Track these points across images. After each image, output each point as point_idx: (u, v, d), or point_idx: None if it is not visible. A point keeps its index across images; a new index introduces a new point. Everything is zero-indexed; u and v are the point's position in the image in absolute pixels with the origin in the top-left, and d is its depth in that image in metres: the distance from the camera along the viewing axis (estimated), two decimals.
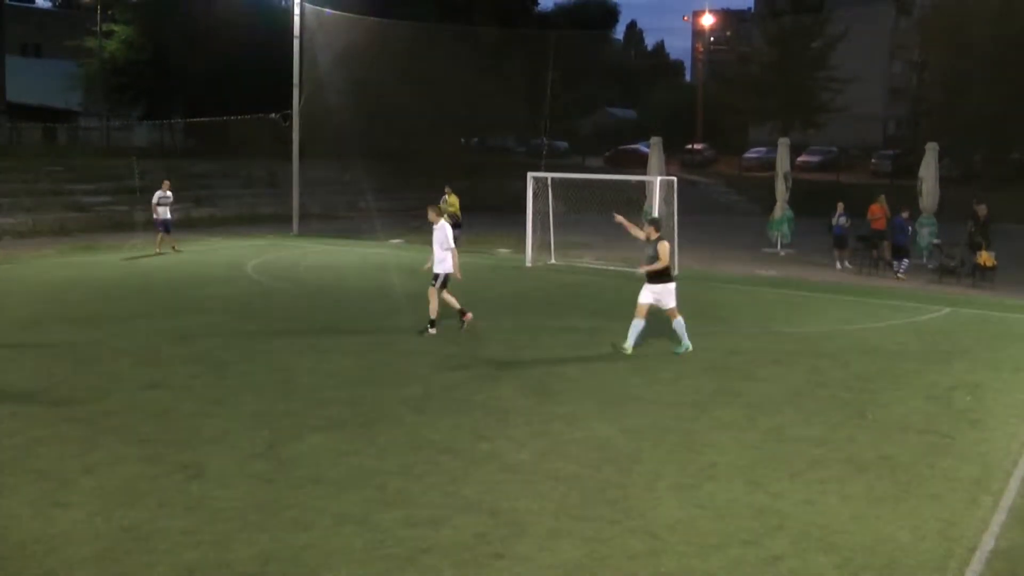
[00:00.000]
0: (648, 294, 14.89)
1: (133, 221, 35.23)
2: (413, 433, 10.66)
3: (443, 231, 16.40)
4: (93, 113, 60.84)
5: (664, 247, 14.72)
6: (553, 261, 26.18)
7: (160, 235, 27.99)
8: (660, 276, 14.85)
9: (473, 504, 8.58)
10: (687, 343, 15.12)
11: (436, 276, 16.37)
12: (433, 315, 16.29)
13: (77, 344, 15.45)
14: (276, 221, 37.53)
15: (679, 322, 15.11)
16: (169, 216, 28.17)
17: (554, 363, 14.39)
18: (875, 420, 11.57)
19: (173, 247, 28.15)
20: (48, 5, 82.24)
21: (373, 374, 13.57)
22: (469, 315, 16.64)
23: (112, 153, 48.43)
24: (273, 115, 37.99)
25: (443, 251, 16.36)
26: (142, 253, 27.47)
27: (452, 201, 25.27)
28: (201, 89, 51.95)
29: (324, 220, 37.05)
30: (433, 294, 16.33)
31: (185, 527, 8.03)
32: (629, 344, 14.90)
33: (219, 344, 15.41)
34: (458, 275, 16.56)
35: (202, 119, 45.54)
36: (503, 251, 29.31)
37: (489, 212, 38.36)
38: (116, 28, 56.53)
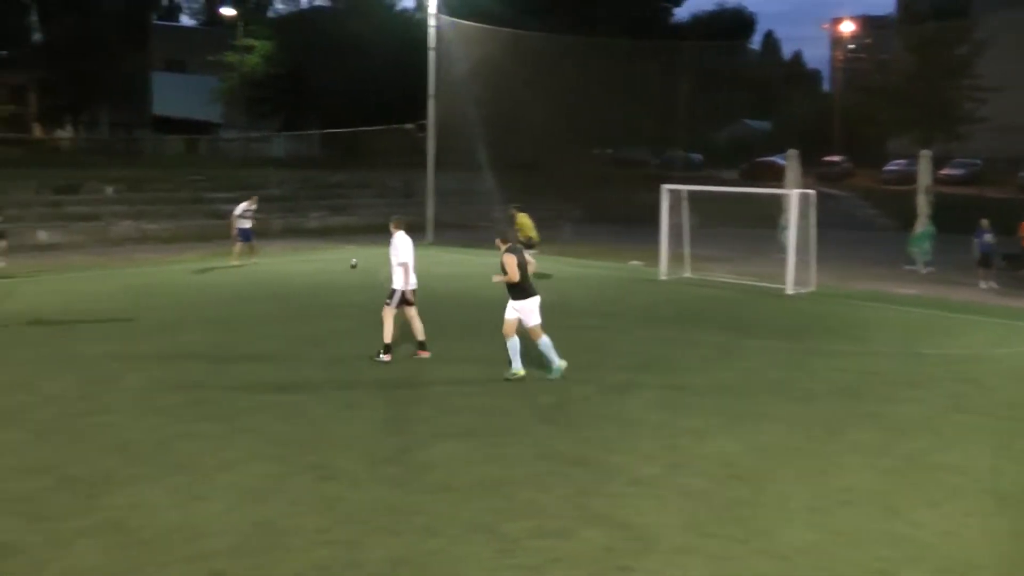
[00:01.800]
0: (511, 310, 13.77)
1: (270, 230, 36.18)
2: (543, 444, 10.66)
3: (393, 245, 15.22)
4: (233, 125, 62.84)
5: (508, 260, 13.57)
6: (687, 274, 25.91)
7: (239, 245, 27.58)
8: (518, 291, 13.62)
9: (602, 516, 8.52)
10: (558, 364, 13.77)
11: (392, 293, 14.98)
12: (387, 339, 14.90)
13: (215, 345, 15.95)
14: (410, 230, 37.93)
15: (544, 342, 13.69)
16: (249, 226, 27.69)
17: (685, 377, 14.23)
18: None
19: (253, 258, 27.76)
20: (192, 23, 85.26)
21: (504, 384, 13.60)
22: (425, 354, 15.15)
23: (250, 164, 49.85)
24: (408, 126, 38.62)
25: (396, 266, 15.07)
26: (274, 260, 28.09)
27: (522, 223, 24.52)
28: (337, 101, 53.12)
29: (457, 230, 37.38)
30: (387, 314, 14.91)
31: (317, 526, 8.20)
32: (516, 366, 13.69)
33: (354, 349, 15.67)
34: (409, 296, 15.05)
35: (338, 130, 46.54)
36: (636, 263, 29.13)
37: (621, 224, 38.23)
38: (256, 43, 58.41)
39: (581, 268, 27.91)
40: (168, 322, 18.31)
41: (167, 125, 62.47)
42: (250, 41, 58.46)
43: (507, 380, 13.61)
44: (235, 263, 27.17)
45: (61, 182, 37.40)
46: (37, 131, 60.09)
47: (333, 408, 12.11)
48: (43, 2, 64.01)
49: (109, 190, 38.10)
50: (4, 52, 62.98)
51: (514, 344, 13.67)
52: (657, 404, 12.55)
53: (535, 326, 13.70)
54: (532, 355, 13.99)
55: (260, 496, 8.94)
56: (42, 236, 32.42)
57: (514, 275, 13.51)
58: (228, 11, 66.43)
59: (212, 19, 77.09)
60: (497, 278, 13.83)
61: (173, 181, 40.92)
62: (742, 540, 8.08)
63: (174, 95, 64.10)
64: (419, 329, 15.15)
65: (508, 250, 13.80)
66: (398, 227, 15.42)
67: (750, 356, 15.75)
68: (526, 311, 13.69)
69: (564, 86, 43.48)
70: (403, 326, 15.19)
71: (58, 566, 7.46)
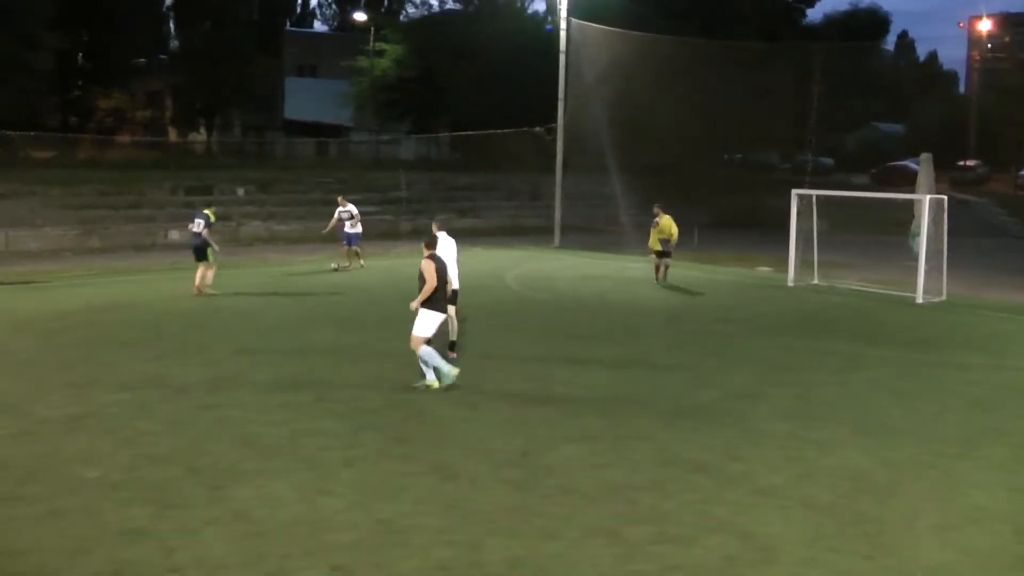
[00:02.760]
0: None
1: (398, 231, 36.81)
2: (666, 449, 10.61)
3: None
4: (363, 128, 63.97)
5: (427, 266, 13.12)
6: (816, 281, 25.44)
7: (344, 248, 27.50)
8: (431, 300, 13.09)
9: (724, 525, 8.45)
10: (448, 370, 13.13)
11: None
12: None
13: (342, 344, 16.30)
14: (537, 233, 38.15)
15: (425, 351, 13.07)
16: (353, 230, 27.29)
17: (811, 387, 13.97)
18: None
19: (360, 263, 27.46)
20: (324, 29, 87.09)
21: (627, 388, 13.61)
22: (452, 355, 14.87)
23: (380, 166, 50.74)
24: (537, 129, 38.80)
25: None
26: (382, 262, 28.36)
27: (664, 223, 24.23)
28: (467, 104, 53.63)
29: (585, 233, 37.42)
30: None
31: (439, 526, 8.31)
32: (446, 371, 13.16)
33: (478, 351, 15.80)
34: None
35: (467, 132, 47.01)
36: (764, 269, 28.73)
37: (750, 229, 37.74)
38: (387, 48, 59.34)
39: (709, 274, 27.66)
40: (295, 320, 18.82)
41: (298, 128, 63.97)
42: (381, 45, 59.44)
43: (414, 388, 13.19)
44: (361, 264, 27.39)
45: (194, 183, 38.71)
46: (172, 135, 62.22)
47: (456, 409, 12.25)
48: (180, 11, 66.29)
49: (240, 191, 39.28)
50: (142, 60, 65.34)
51: (427, 354, 13.15)
52: (783, 413, 12.37)
53: (420, 336, 13.13)
54: (655, 363, 13.90)
55: (383, 494, 9.10)
56: (174, 235, 33.54)
57: (432, 281, 13.04)
58: (360, 16, 67.71)
59: (344, 25, 78.58)
60: (414, 304, 13.21)
61: (303, 183, 41.92)
62: (868, 556, 7.90)
63: (306, 99, 65.57)
64: (454, 329, 15.10)
65: (429, 257, 13.37)
66: (440, 229, 15.20)
67: (878, 366, 15.39)
68: (425, 320, 13.15)
69: (694, 89, 43.09)
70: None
71: (186, 553, 7.74)
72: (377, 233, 36.61)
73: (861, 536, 8.31)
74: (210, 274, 21.83)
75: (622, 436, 11.10)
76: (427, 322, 13.16)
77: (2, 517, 8.52)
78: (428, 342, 13.21)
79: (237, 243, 33.54)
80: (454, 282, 14.58)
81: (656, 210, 25.25)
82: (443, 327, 13.90)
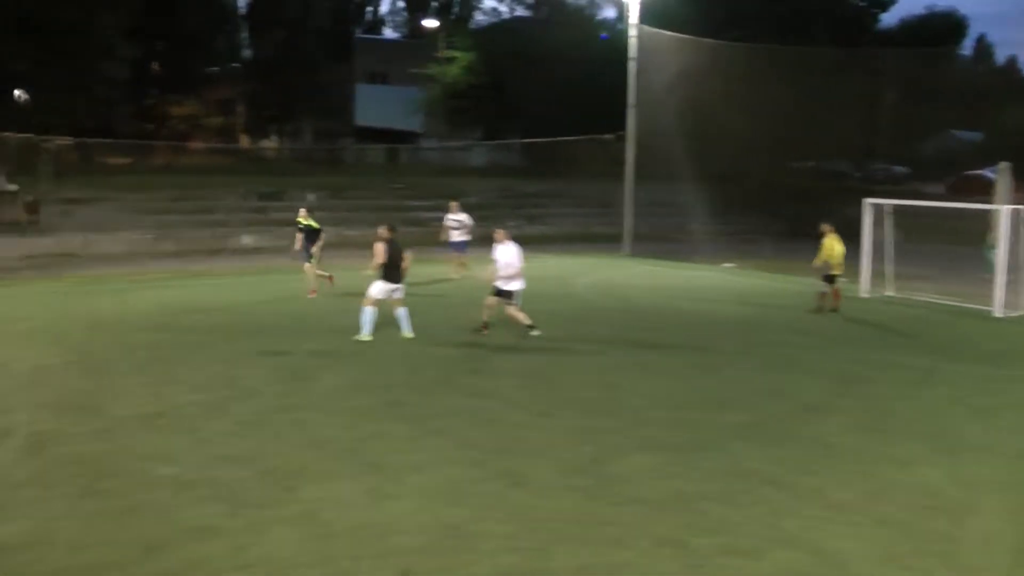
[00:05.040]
0: (375, 287, 17.08)
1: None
2: (736, 461, 10.50)
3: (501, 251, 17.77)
4: (433, 135, 64.29)
5: (377, 247, 16.86)
6: (889, 292, 25.03)
7: (456, 257, 27.10)
8: (384, 273, 16.94)
9: (794, 539, 8.34)
10: (366, 335, 16.94)
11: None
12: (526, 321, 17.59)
13: (410, 351, 16.36)
14: (607, 241, 37.96)
15: (367, 312, 16.98)
16: (461, 238, 27.07)
17: (885, 400, 13.73)
18: None
19: (462, 270, 26.75)
20: (395, 36, 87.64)
21: (697, 397, 13.50)
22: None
23: (449, 172, 50.90)
24: (607, 136, 38.71)
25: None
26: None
27: (827, 244, 22.32)
28: (537, 110, 53.65)
29: (655, 241, 37.16)
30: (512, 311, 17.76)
31: (506, 532, 8.32)
32: (365, 332, 16.95)
33: (548, 359, 15.83)
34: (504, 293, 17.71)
35: (536, 140, 47.02)
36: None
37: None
38: (458, 54, 59.58)
39: (781, 283, 27.36)
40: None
41: (369, 135, 64.49)
42: (452, 52, 59.72)
43: (355, 340, 16.78)
44: (452, 276, 26.60)
45: (265, 189, 39.16)
46: (244, 141, 63.08)
47: (526, 415, 12.25)
48: (253, 20, 67.27)
49: (311, 197, 39.66)
50: (215, 68, 66.40)
51: (368, 314, 16.98)
52: (855, 427, 12.17)
53: (374, 296, 17.00)
54: (726, 375, 13.77)
55: (451, 498, 9.13)
56: (246, 240, 33.97)
57: (380, 257, 16.73)
58: (430, 23, 68.09)
59: (414, 32, 79.06)
60: (367, 271, 17.46)
61: (374, 189, 42.23)
62: None
63: (376, 106, 66.05)
64: (519, 318, 17.68)
65: (383, 239, 16.90)
66: (504, 239, 17.79)
67: (954, 381, 15.08)
68: (377, 286, 16.99)
69: (765, 96, 42.68)
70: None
71: (256, 551, 7.87)
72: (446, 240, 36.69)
73: (936, 555, 8.14)
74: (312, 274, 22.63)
75: (692, 446, 11.02)
76: (378, 288, 16.99)
77: (80, 512, 8.72)
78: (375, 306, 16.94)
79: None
80: (519, 282, 17.61)
81: (822, 229, 22.85)
82: (390, 296, 17.18)
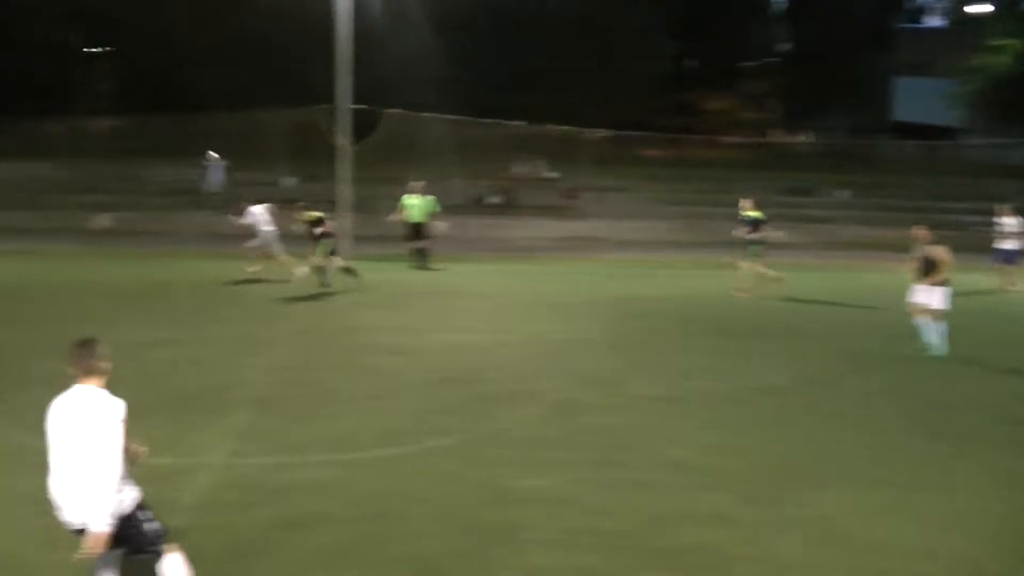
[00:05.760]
0: None
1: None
2: None
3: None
4: (976, 130, 60.08)
5: (942, 253, 15.09)
6: None
7: (1000, 267, 23.96)
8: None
9: None
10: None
11: None
12: None
13: (945, 368, 15.00)
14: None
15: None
16: (1007, 246, 23.95)
17: None
18: None
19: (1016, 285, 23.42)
20: (939, 24, 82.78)
21: None
22: None
23: (994, 172, 46.78)
24: None
25: None
26: None
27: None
28: None
29: None
30: None
31: None
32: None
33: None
34: None
35: None
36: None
37: None
38: (1007, 42, 55.01)
39: None
40: (888, 327, 17.56)
41: (905, 131, 61.75)
42: (1002, 40, 55.23)
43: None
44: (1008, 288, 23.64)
45: (795, 184, 38.76)
46: (777, 136, 62.90)
47: None
48: (794, 13, 66.90)
49: (843, 194, 38.74)
50: (752, 63, 66.88)
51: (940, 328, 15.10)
52: None
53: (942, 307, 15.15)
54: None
55: (974, 530, 8.33)
56: (778, 235, 33.85)
57: (948, 263, 15.06)
58: (976, 8, 63.49)
59: (960, 19, 74.27)
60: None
61: (906, 188, 40.31)
62: None
63: (915, 100, 63.08)
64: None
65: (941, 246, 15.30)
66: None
67: None
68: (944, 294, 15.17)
69: None
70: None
71: (756, 547, 7.83)
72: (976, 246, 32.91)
73: None
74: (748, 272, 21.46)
75: None
76: (943, 296, 15.17)
77: (598, 479, 9.24)
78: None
79: (834, 247, 32.33)
80: None
81: None
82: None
